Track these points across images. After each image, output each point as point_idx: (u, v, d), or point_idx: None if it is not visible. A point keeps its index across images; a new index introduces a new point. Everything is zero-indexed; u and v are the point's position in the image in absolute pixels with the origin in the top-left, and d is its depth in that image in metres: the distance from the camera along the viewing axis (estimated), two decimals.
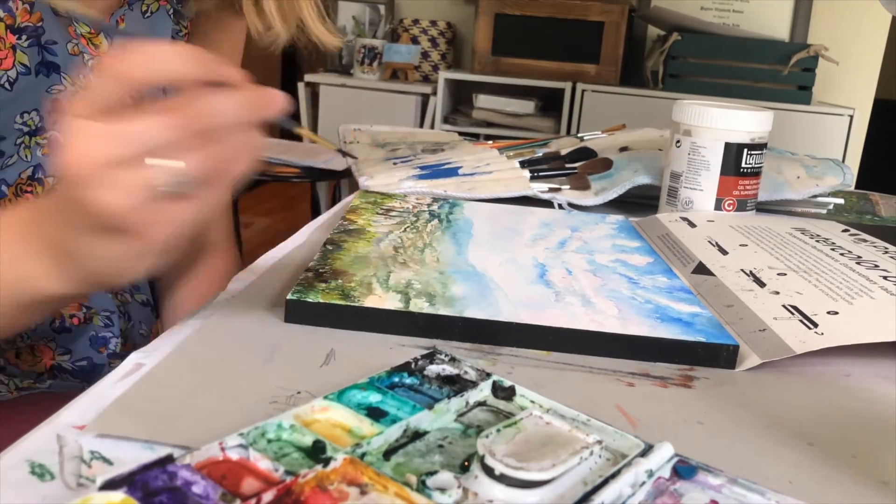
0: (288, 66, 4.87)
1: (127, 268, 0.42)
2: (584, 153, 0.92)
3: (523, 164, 0.88)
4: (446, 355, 0.40)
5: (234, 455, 0.30)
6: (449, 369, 0.38)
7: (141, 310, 0.77)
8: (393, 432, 0.32)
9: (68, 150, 0.37)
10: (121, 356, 0.73)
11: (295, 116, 2.48)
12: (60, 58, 0.62)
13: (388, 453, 0.31)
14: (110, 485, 0.26)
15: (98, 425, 0.33)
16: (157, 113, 0.37)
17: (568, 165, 0.89)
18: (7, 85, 0.59)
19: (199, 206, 0.39)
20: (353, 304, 0.46)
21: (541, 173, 0.86)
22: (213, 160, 0.38)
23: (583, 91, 2.20)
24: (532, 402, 0.36)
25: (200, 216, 0.39)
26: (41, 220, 0.44)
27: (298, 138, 2.39)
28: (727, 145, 0.74)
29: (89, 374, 0.70)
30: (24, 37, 0.59)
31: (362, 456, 0.31)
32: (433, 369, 0.38)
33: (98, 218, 0.38)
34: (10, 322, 0.47)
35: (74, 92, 0.44)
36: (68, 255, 0.42)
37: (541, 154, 0.93)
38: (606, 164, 0.88)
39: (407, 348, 0.44)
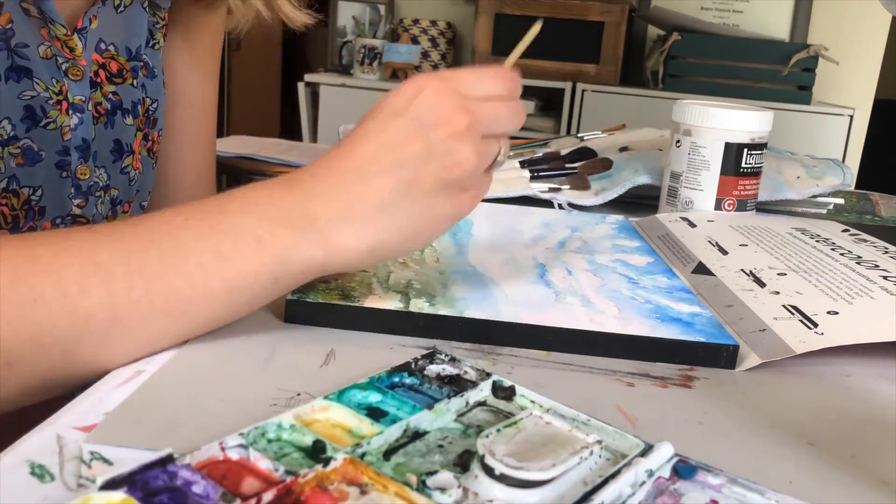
0: (288, 65, 4.88)
1: (434, 225, 0.45)
2: (584, 153, 0.92)
3: (523, 164, 0.88)
4: (446, 355, 0.40)
5: (234, 455, 0.30)
6: (449, 369, 0.38)
7: None
8: (393, 432, 0.32)
9: (453, 109, 0.43)
10: None
11: (296, 115, 2.48)
12: (32, 62, 0.58)
13: (388, 453, 0.31)
14: (111, 484, 0.26)
15: (99, 435, 0.33)
16: (510, 105, 0.46)
17: (568, 165, 0.89)
18: None
19: (490, 183, 0.48)
20: (353, 304, 0.46)
21: (541, 173, 0.86)
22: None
23: (583, 91, 2.20)
24: (532, 402, 0.36)
25: (486, 192, 0.48)
26: (336, 177, 0.44)
27: (300, 138, 2.40)
28: (727, 145, 0.74)
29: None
30: None
31: (362, 456, 0.31)
32: (433, 369, 0.38)
33: (456, 171, 0.43)
34: (260, 300, 0.44)
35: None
36: (379, 208, 0.43)
37: (541, 154, 0.93)
38: (606, 164, 0.88)
39: (407, 348, 0.44)
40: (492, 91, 0.46)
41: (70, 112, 0.61)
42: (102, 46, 0.65)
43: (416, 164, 0.43)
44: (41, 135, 0.59)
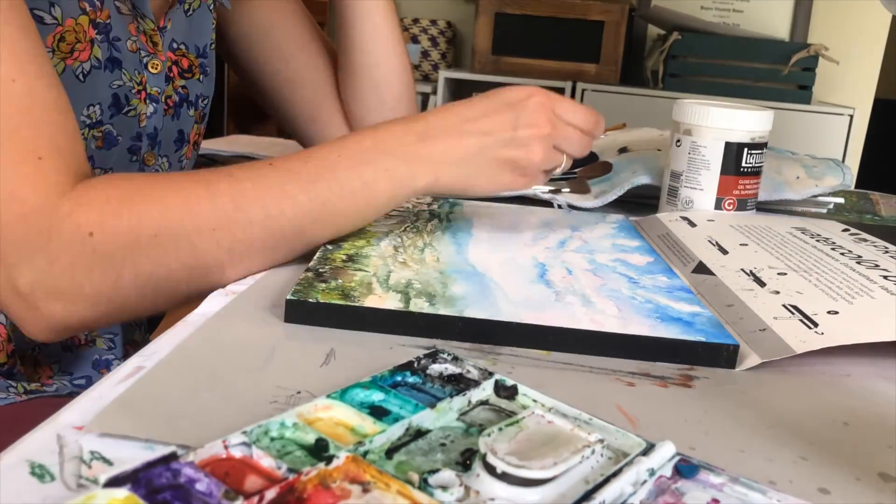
0: None
1: (496, 189, 0.60)
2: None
3: None
4: (449, 354, 0.40)
5: (237, 453, 0.30)
6: (451, 368, 0.38)
7: (139, 331, 0.77)
8: (395, 431, 0.33)
9: (544, 119, 0.59)
10: None
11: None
12: (123, 54, 0.65)
13: (390, 451, 0.32)
14: (114, 482, 0.26)
15: (98, 424, 0.34)
16: (581, 134, 0.62)
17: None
18: (81, 76, 0.62)
19: (545, 181, 0.63)
20: (353, 304, 0.46)
21: None
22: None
23: (583, 90, 2.20)
24: (534, 400, 0.36)
25: (540, 186, 0.68)
26: (441, 131, 0.58)
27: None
28: (727, 145, 0.74)
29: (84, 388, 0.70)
30: (99, 32, 0.62)
31: (365, 454, 0.31)
32: (436, 368, 0.38)
33: (524, 159, 0.58)
34: (381, 214, 0.58)
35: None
36: (463, 162, 0.58)
37: None
38: (606, 169, 0.88)
39: (407, 348, 0.44)
40: (577, 121, 0.61)
41: (147, 101, 0.68)
42: (175, 45, 0.71)
43: (499, 142, 0.58)
44: (122, 121, 0.66)
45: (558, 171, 0.62)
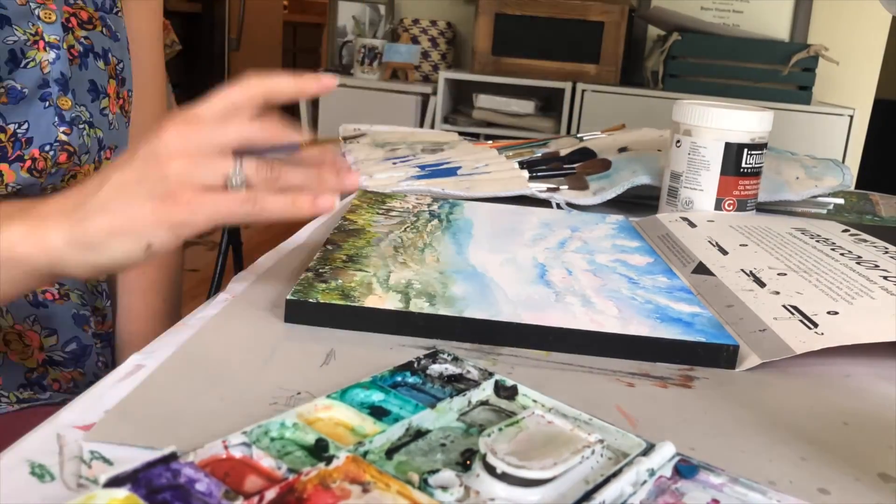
0: (288, 65, 4.88)
1: (137, 225, 0.46)
2: (584, 154, 0.92)
3: (522, 165, 0.88)
4: (449, 354, 0.40)
5: (237, 453, 0.30)
6: (451, 368, 0.38)
7: (101, 298, 0.77)
8: (395, 431, 0.33)
9: (171, 125, 0.46)
10: (102, 337, 0.74)
11: (296, 115, 2.48)
12: (10, 10, 0.64)
13: (390, 452, 0.32)
14: (114, 482, 0.26)
15: (99, 433, 0.33)
16: (248, 121, 0.47)
17: (566, 166, 0.89)
18: None
19: (242, 208, 0.46)
20: (353, 304, 0.46)
21: (539, 173, 0.86)
22: (272, 181, 0.47)
23: (583, 91, 2.20)
24: (534, 401, 0.36)
25: (236, 217, 0.46)
26: (67, 190, 0.49)
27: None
28: (727, 145, 0.74)
29: (80, 359, 0.70)
30: None
31: (365, 454, 0.31)
32: (436, 368, 0.38)
33: (159, 181, 0.45)
34: None
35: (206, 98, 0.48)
36: (80, 203, 0.47)
37: (540, 154, 0.94)
38: (605, 165, 0.88)
39: (407, 348, 0.44)
40: (219, 106, 0.47)
41: (47, 48, 0.67)
42: (71, 0, 0.70)
43: (121, 168, 0.47)
44: (22, 74, 0.65)
45: (237, 178, 0.46)
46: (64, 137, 0.67)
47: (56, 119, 0.67)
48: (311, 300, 0.46)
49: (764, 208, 0.84)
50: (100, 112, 0.72)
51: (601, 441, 0.31)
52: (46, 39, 0.67)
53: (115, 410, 0.35)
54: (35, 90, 0.66)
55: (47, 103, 0.67)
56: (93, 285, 0.75)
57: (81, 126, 0.69)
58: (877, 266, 0.58)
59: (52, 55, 0.67)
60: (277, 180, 0.47)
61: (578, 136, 1.04)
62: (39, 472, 0.30)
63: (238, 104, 0.48)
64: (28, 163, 0.64)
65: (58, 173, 0.67)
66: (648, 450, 0.32)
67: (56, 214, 0.47)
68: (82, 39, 0.71)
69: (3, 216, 0.48)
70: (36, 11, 0.67)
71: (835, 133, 2.16)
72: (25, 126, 0.65)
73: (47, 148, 0.66)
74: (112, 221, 0.46)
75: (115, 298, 0.79)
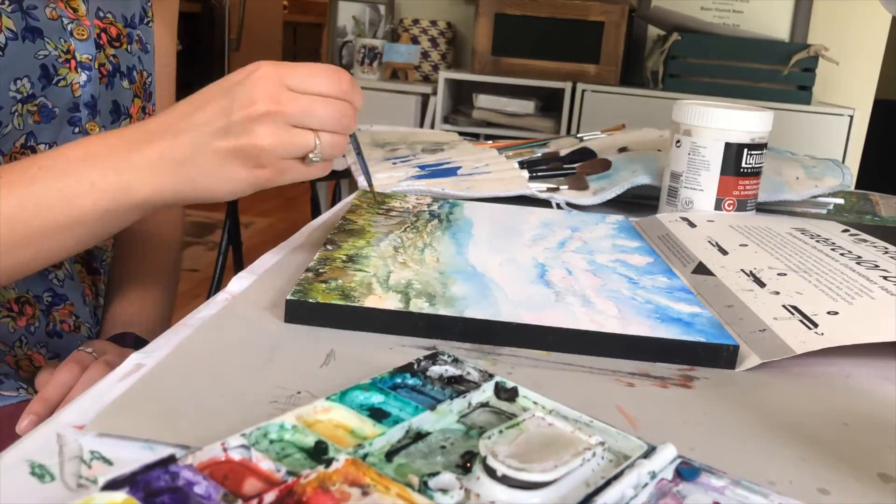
0: None
1: (235, 189, 0.51)
2: (584, 154, 0.92)
3: (522, 165, 0.88)
4: (449, 356, 0.40)
5: (236, 455, 0.30)
6: (451, 370, 0.38)
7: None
8: (395, 433, 0.32)
9: (262, 95, 0.48)
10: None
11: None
12: (42, 22, 0.62)
13: (390, 454, 0.31)
14: (112, 485, 0.26)
15: (98, 424, 0.33)
16: (330, 103, 0.50)
17: (566, 166, 0.89)
18: None
19: (313, 173, 0.52)
20: (353, 304, 0.46)
21: (539, 173, 0.86)
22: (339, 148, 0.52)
23: (583, 91, 2.20)
24: (535, 403, 0.36)
25: (309, 177, 0.53)
26: (156, 134, 0.51)
27: None
28: (727, 145, 0.74)
29: None
30: (6, 1, 0.60)
31: (364, 457, 0.31)
32: (436, 370, 0.38)
33: (249, 148, 0.49)
34: (98, 232, 0.54)
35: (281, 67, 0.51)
36: (182, 162, 0.50)
37: (540, 154, 0.93)
38: (605, 165, 0.88)
39: (407, 348, 0.44)
40: (318, 87, 0.50)
41: (79, 70, 0.66)
42: (101, 14, 0.68)
43: (214, 134, 0.50)
44: (54, 92, 0.64)
45: (316, 153, 0.51)
46: None
47: None
48: (311, 300, 0.46)
49: (764, 208, 0.84)
50: None
51: (602, 443, 0.31)
52: (78, 59, 0.66)
53: (115, 403, 0.35)
54: (65, 112, 0.65)
55: (76, 129, 0.66)
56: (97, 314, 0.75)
57: None
58: (877, 266, 0.58)
59: (83, 77, 0.66)
60: (340, 150, 0.52)
61: (578, 136, 1.04)
62: (39, 472, 0.30)
63: (326, 93, 0.50)
64: None
65: None
66: (649, 452, 0.32)
67: (162, 167, 0.51)
68: (111, 58, 0.70)
69: (109, 165, 0.51)
70: (69, 27, 0.65)
71: (835, 133, 2.16)
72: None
73: None
74: (214, 184, 0.51)
75: (108, 306, 0.78)
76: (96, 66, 0.67)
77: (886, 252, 0.63)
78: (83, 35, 0.66)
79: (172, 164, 0.50)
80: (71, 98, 0.65)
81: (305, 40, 5.50)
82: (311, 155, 0.51)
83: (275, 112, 0.49)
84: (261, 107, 0.48)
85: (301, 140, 0.50)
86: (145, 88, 0.74)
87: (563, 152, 0.94)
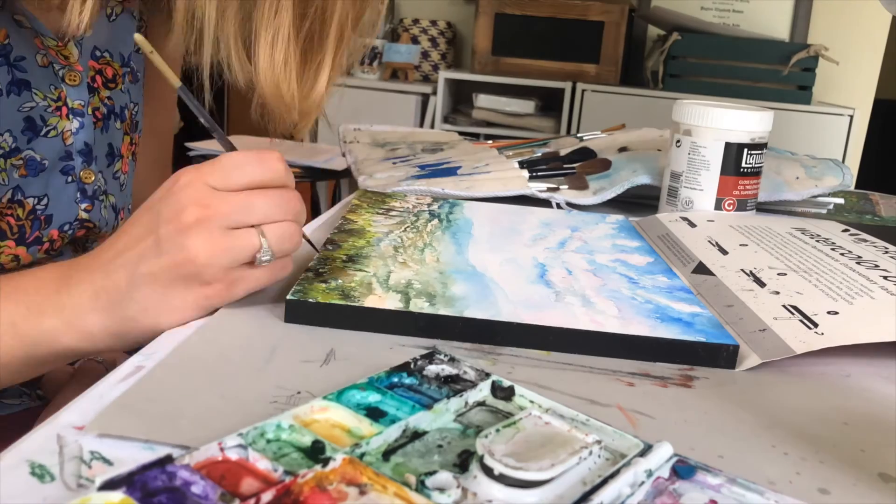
0: None
1: (184, 317, 0.46)
2: (584, 153, 0.92)
3: (522, 165, 0.88)
4: (445, 355, 0.40)
5: (233, 455, 0.30)
6: (448, 369, 0.38)
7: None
8: (392, 432, 0.32)
9: (188, 203, 0.43)
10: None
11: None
12: (30, 73, 0.59)
13: (387, 453, 0.31)
14: (109, 485, 0.26)
15: (98, 425, 0.33)
16: (268, 193, 0.45)
17: (566, 166, 0.89)
18: None
19: (270, 276, 0.47)
20: (353, 304, 0.46)
21: (539, 173, 0.86)
22: (293, 244, 0.47)
23: (583, 91, 2.20)
24: (531, 402, 0.36)
25: (268, 283, 0.48)
26: (86, 271, 0.46)
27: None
28: (727, 145, 0.74)
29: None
30: None
31: (361, 456, 0.31)
32: (432, 369, 0.38)
33: (188, 266, 0.44)
34: (14, 377, 0.49)
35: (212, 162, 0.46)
36: (118, 301, 0.45)
37: (540, 154, 0.93)
38: (605, 165, 0.88)
39: (407, 348, 0.44)
40: (247, 178, 0.45)
41: (70, 117, 0.62)
42: (98, 54, 0.65)
43: (143, 258, 0.44)
44: (42, 144, 0.60)
45: (264, 252, 0.45)
46: (84, 215, 0.63)
47: (78, 195, 0.63)
48: (311, 300, 0.46)
49: (764, 208, 0.84)
50: (112, 176, 0.68)
51: (598, 442, 0.31)
52: (70, 105, 0.62)
53: (115, 404, 0.35)
54: (56, 161, 0.61)
55: (69, 178, 0.62)
56: None
57: (101, 198, 0.65)
58: (877, 266, 0.58)
59: (75, 124, 0.62)
60: (295, 242, 0.47)
61: (578, 135, 1.04)
62: (39, 473, 0.30)
63: (259, 183, 0.46)
64: (46, 245, 0.61)
65: (71, 243, 0.64)
66: (646, 450, 0.32)
67: (95, 309, 0.46)
68: (106, 100, 0.66)
69: (34, 305, 0.46)
70: (60, 73, 0.61)
71: (835, 133, 2.16)
72: (45, 201, 0.60)
73: (66, 227, 0.62)
74: (155, 319, 0.45)
75: None
76: (90, 112, 0.64)
77: (886, 252, 0.63)
78: (75, 81, 0.62)
79: (107, 305, 0.45)
80: (62, 147, 0.62)
81: None
82: (258, 255, 0.45)
83: (205, 218, 0.43)
84: (188, 215, 0.43)
85: (242, 242, 0.44)
86: (132, 121, 0.70)
87: (563, 152, 0.94)
